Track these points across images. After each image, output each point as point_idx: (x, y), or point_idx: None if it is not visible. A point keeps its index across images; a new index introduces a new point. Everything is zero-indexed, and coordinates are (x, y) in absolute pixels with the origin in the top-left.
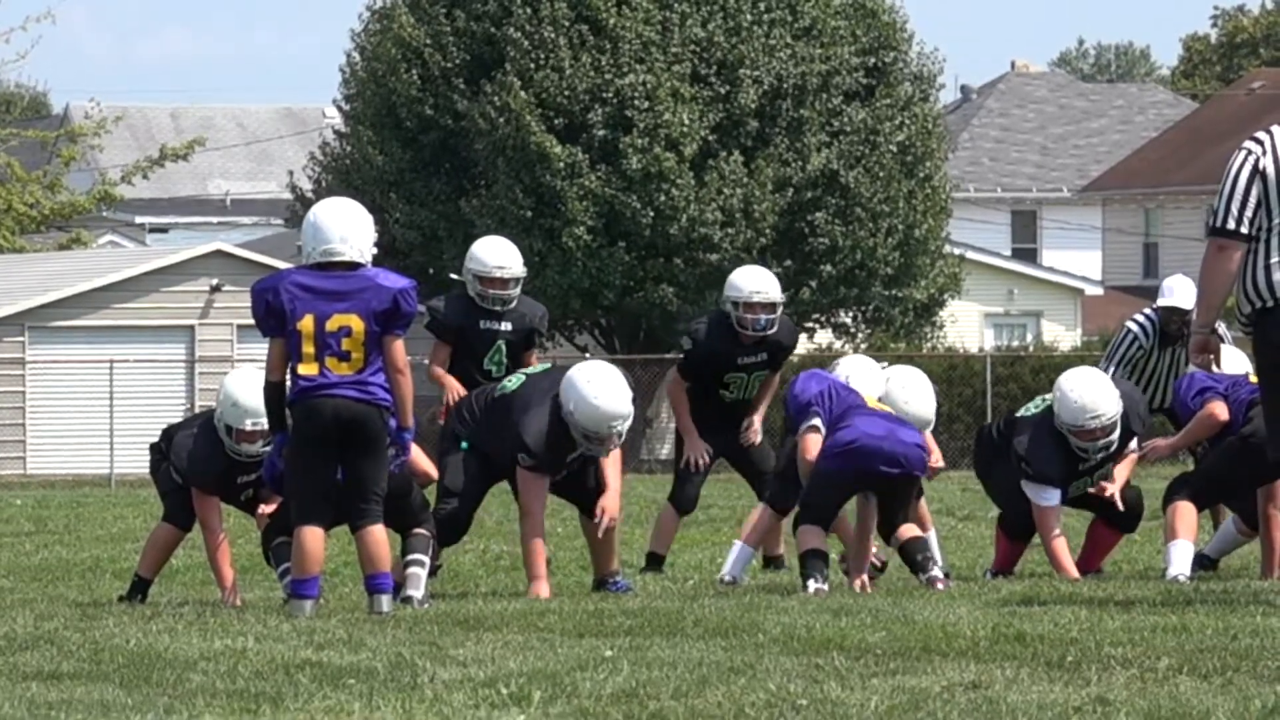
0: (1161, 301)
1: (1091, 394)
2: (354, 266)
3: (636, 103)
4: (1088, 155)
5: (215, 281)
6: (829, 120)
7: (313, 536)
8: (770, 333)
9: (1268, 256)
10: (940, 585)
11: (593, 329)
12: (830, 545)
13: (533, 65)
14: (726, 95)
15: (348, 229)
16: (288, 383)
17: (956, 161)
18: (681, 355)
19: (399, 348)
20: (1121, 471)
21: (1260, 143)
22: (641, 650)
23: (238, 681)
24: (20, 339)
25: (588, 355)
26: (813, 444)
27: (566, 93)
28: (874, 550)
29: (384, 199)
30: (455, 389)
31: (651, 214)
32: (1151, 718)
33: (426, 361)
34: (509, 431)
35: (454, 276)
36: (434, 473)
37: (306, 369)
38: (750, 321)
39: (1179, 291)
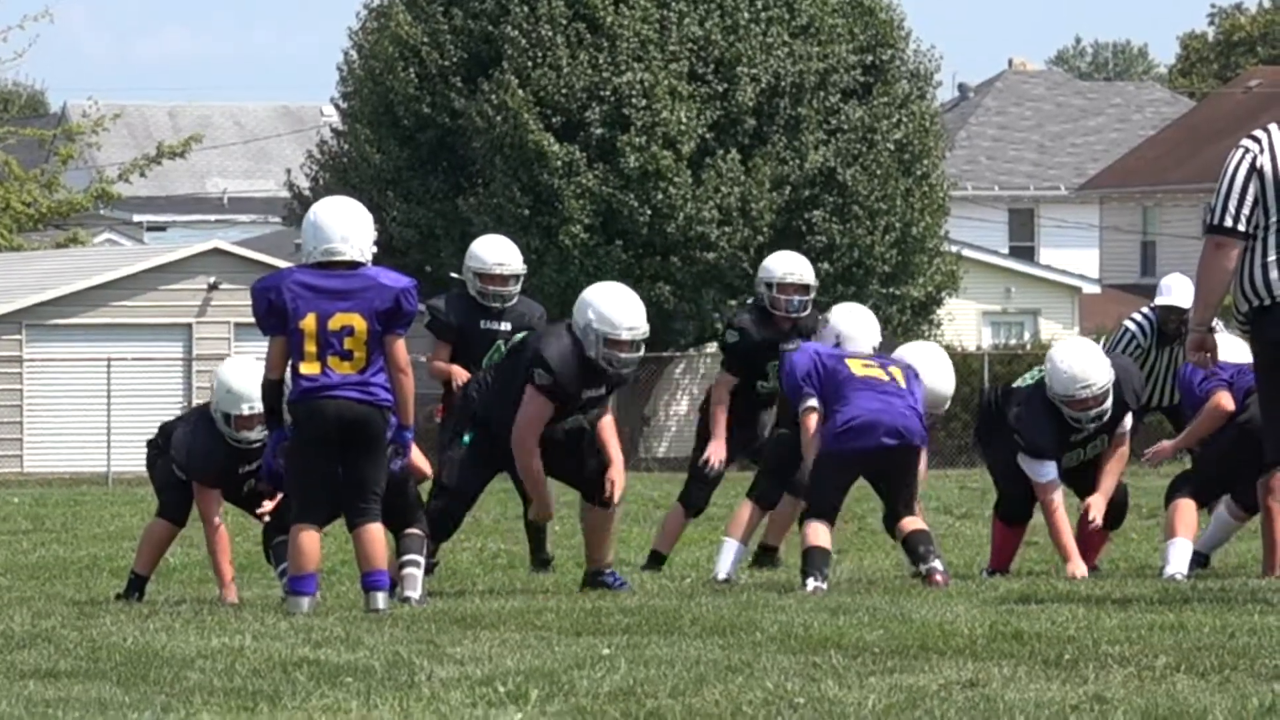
0: (1159, 300)
1: (1082, 364)
2: (355, 266)
3: (634, 101)
4: (1085, 153)
5: (213, 280)
6: (826, 118)
7: (309, 534)
8: (804, 315)
9: (1264, 255)
10: (939, 578)
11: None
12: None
13: (530, 63)
14: (724, 93)
15: (348, 228)
16: (287, 381)
17: (954, 160)
18: (725, 352)
19: (401, 347)
20: (1108, 479)
21: (1258, 141)
22: (639, 648)
23: (235, 680)
24: (18, 337)
25: None
26: (813, 422)
27: (564, 91)
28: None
29: (381, 197)
30: (463, 375)
31: (649, 212)
32: (1149, 716)
33: (425, 359)
34: (525, 365)
35: (454, 275)
36: (429, 470)
37: (309, 368)
38: (784, 303)
39: (1177, 290)
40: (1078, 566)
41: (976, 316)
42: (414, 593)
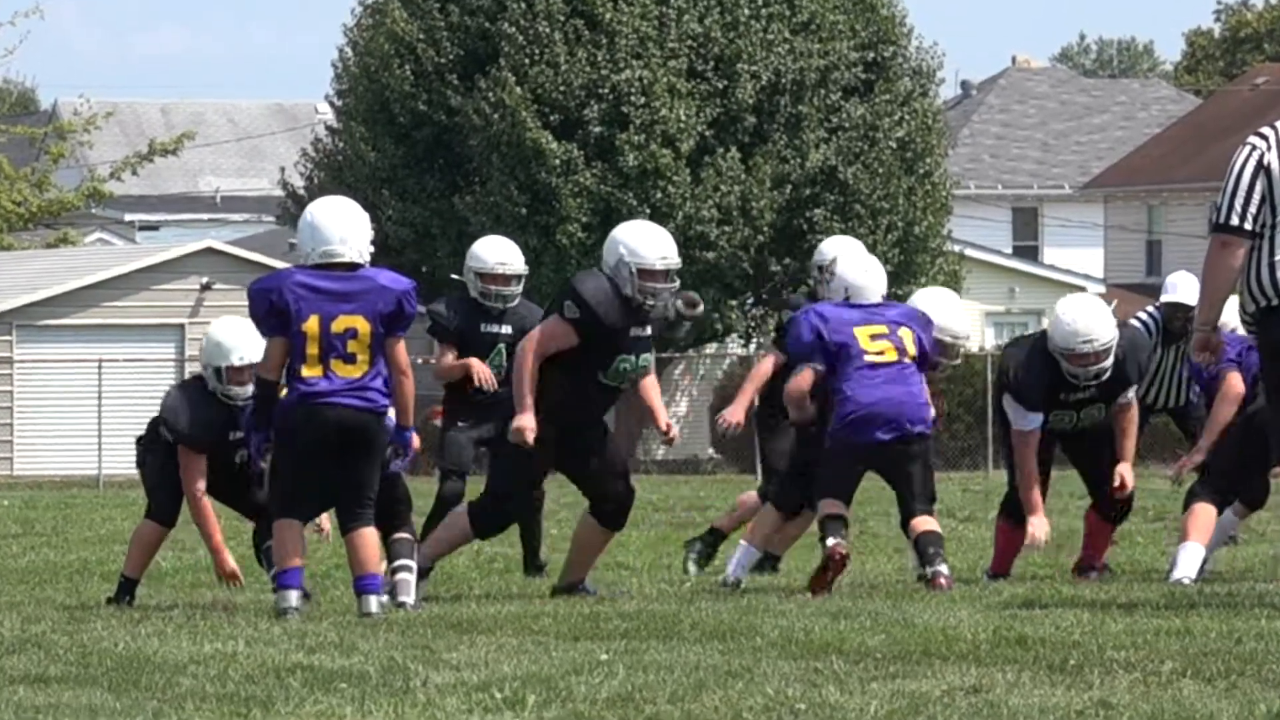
0: (1165, 298)
1: (1086, 318)
2: (353, 267)
3: (633, 98)
4: (1089, 151)
5: (206, 279)
6: (828, 116)
7: (292, 527)
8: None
9: (1272, 254)
10: (942, 582)
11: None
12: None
13: (527, 60)
14: (724, 91)
15: (347, 229)
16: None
17: (957, 158)
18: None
19: (402, 349)
20: (1127, 441)
21: (1265, 138)
22: (637, 654)
23: (228, 685)
24: (8, 338)
25: None
26: (805, 379)
27: (562, 88)
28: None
29: (376, 196)
30: (480, 366)
31: (648, 211)
32: None
33: (429, 361)
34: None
35: (454, 277)
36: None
37: (310, 371)
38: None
39: (1182, 287)
40: (1040, 527)
41: (980, 317)
42: (408, 598)
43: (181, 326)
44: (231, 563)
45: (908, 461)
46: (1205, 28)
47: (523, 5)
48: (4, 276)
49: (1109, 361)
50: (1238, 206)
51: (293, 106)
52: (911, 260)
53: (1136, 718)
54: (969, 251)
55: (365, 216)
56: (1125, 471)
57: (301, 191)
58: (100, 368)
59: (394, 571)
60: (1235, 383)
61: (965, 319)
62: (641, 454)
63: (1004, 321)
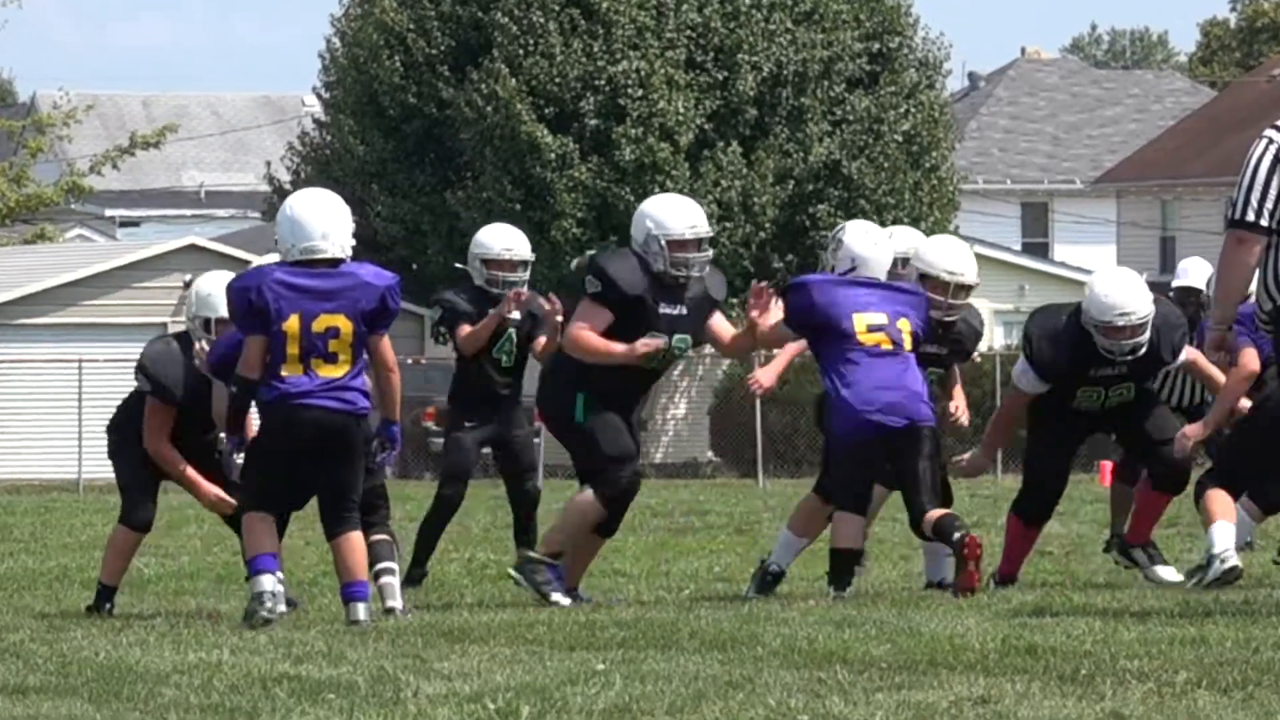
0: (1177, 282)
1: (1123, 291)
2: (335, 263)
3: (630, 90)
4: (1101, 145)
5: (189, 277)
6: (831, 109)
7: (264, 520)
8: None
9: None
10: (972, 542)
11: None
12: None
13: (521, 51)
14: (724, 82)
15: (328, 224)
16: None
17: (964, 152)
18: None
19: (387, 345)
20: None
21: None
22: (635, 663)
23: (212, 696)
24: None
25: None
26: (792, 348)
27: (557, 80)
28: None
29: (365, 190)
30: (508, 302)
31: None
32: None
33: (457, 338)
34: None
35: (458, 266)
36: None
37: (291, 371)
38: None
39: (1193, 272)
40: (987, 458)
41: (988, 316)
42: (396, 602)
43: (164, 325)
44: (211, 486)
45: (916, 456)
46: (1221, 17)
47: None
48: None
49: (1145, 336)
50: (1254, 202)
51: (279, 99)
52: None
53: None
54: (977, 249)
55: (346, 209)
56: (1192, 431)
57: (288, 186)
58: (80, 368)
59: (377, 575)
60: (1250, 360)
61: (967, 261)
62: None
63: (1013, 321)
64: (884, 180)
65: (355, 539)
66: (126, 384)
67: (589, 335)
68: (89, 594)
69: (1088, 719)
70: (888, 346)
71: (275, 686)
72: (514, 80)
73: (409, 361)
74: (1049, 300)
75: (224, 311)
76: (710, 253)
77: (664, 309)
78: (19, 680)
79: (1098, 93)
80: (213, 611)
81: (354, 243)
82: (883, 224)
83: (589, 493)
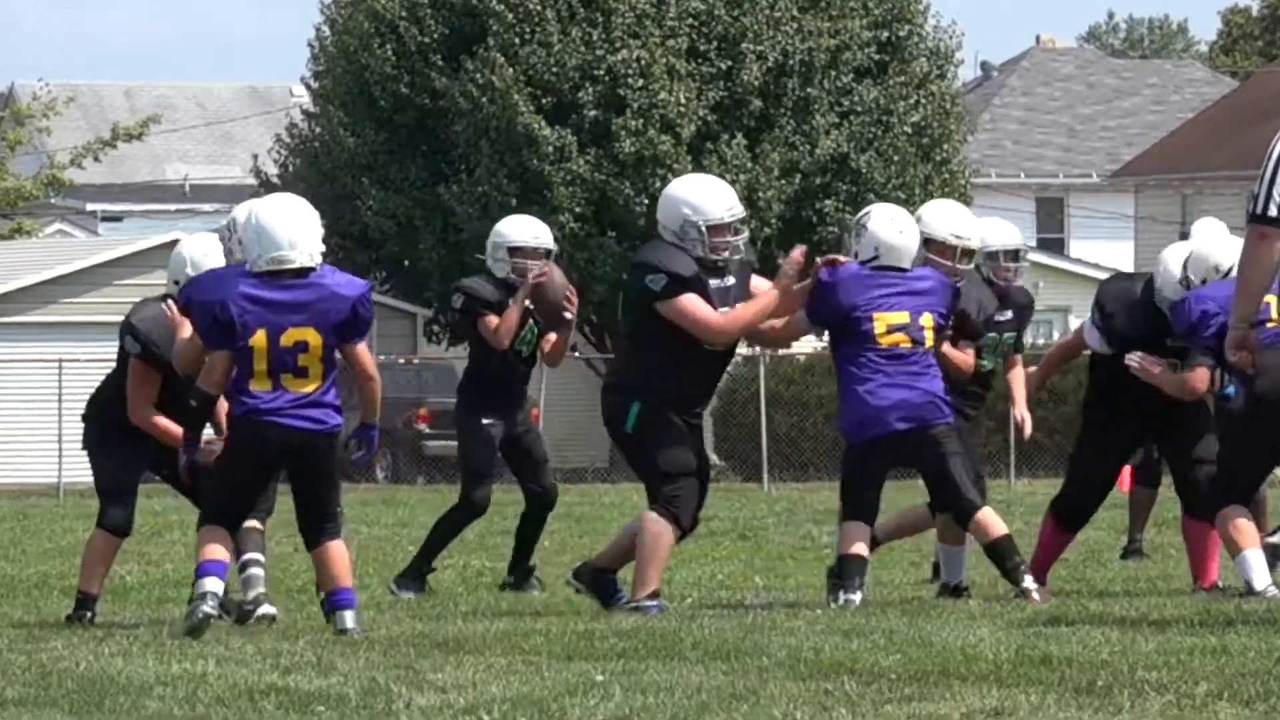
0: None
1: (1225, 247)
2: (304, 272)
3: (630, 80)
4: (1119, 138)
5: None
6: (839, 99)
7: (217, 532)
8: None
9: None
10: (1036, 597)
11: (581, 326)
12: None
13: (518, 40)
14: (728, 72)
15: (297, 231)
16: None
17: (977, 144)
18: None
19: (364, 353)
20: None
21: None
22: (635, 674)
23: (197, 708)
24: None
25: (576, 354)
26: (795, 320)
27: (554, 70)
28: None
29: (356, 184)
30: (528, 283)
31: (645, 201)
32: None
33: (491, 328)
34: (639, 287)
35: (479, 256)
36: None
37: (259, 386)
38: (1001, 271)
39: (1205, 233)
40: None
41: None
42: (259, 589)
43: None
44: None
45: (940, 458)
46: (1242, 5)
47: None
48: None
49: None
50: (1276, 196)
51: (266, 89)
52: None
53: None
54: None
55: (315, 214)
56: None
57: (275, 180)
58: (60, 368)
59: (243, 566)
60: (1199, 380)
61: (972, 224)
62: None
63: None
64: (893, 174)
65: (336, 548)
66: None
67: (705, 315)
68: (69, 602)
69: None
70: (906, 346)
71: (263, 699)
72: (510, 70)
73: (401, 361)
74: (1065, 298)
75: None
76: (745, 234)
77: (714, 284)
78: None
79: (1115, 83)
80: None
81: (324, 249)
82: None
83: (652, 514)
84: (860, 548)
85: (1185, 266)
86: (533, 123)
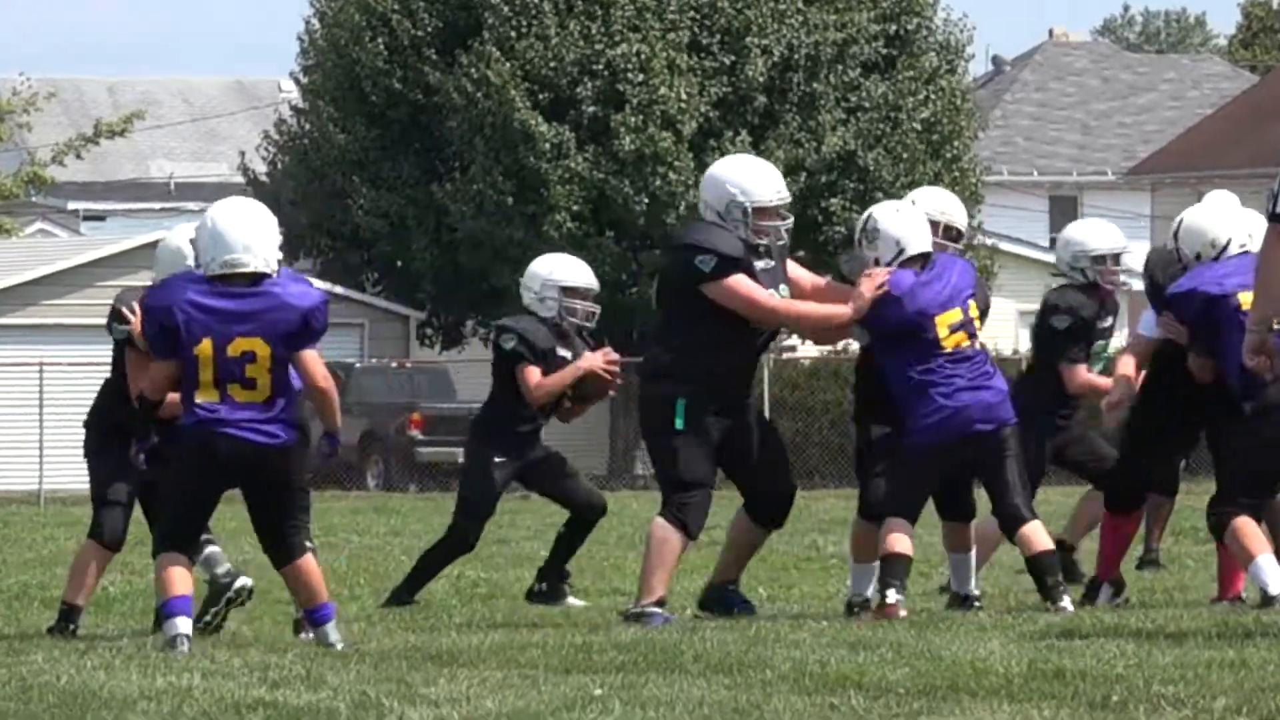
0: None
1: (1224, 219)
2: (258, 279)
3: (630, 75)
4: (1135, 134)
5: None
6: (846, 95)
7: (177, 560)
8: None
9: None
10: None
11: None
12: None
13: (514, 33)
14: (731, 67)
15: (251, 235)
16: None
17: (988, 141)
18: (1064, 338)
19: (314, 362)
20: None
21: None
22: (635, 689)
23: None
24: None
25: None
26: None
27: (552, 64)
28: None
29: (347, 182)
30: (590, 359)
31: (646, 200)
32: None
33: (531, 384)
34: (686, 271)
35: (524, 295)
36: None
37: (206, 397)
38: (1108, 275)
39: (1213, 203)
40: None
41: (1014, 317)
42: (223, 567)
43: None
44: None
45: (1004, 459)
46: None
47: None
48: None
49: None
50: None
51: (254, 84)
52: None
53: None
54: (1002, 244)
55: (273, 220)
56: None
57: (264, 177)
58: (41, 372)
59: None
60: (1125, 366)
61: (957, 206)
62: (641, 467)
63: None
64: (902, 172)
65: (305, 563)
66: (91, 389)
67: (765, 298)
68: (51, 613)
69: None
70: (967, 345)
71: (250, 713)
72: (506, 64)
73: (393, 365)
74: None
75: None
76: (791, 220)
77: (759, 265)
78: None
79: (1131, 78)
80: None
81: (280, 256)
82: None
83: (660, 520)
84: (904, 544)
85: (1175, 237)
86: (529, 119)
